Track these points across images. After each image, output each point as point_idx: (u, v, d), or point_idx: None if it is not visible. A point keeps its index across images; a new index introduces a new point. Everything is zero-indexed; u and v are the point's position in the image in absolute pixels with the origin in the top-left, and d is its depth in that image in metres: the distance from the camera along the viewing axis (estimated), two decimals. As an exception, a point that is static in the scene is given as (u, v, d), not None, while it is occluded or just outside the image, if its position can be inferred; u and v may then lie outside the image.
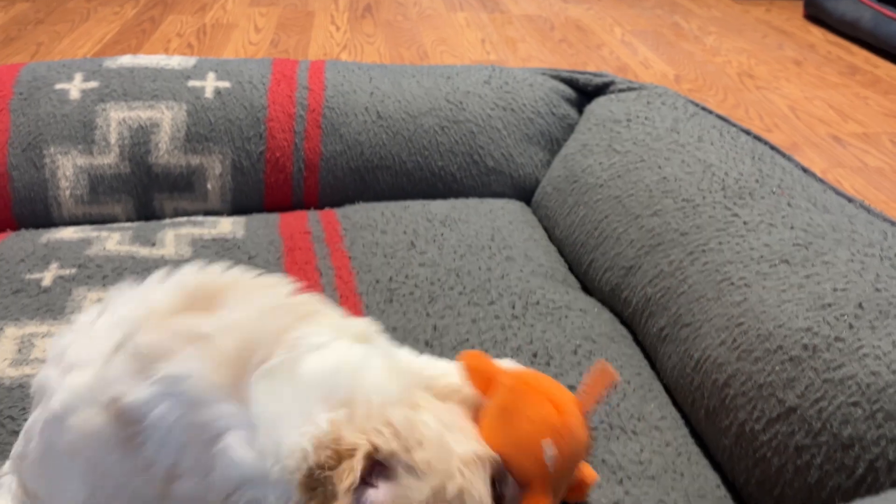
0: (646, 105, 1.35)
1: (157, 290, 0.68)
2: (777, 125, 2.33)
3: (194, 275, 0.69)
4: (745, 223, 1.01)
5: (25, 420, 0.79)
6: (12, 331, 0.95)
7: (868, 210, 1.02)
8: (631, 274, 1.10)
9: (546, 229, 1.33)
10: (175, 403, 0.59)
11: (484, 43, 2.93)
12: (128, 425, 0.60)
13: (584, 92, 1.50)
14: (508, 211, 1.32)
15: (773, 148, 1.19)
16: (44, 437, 0.65)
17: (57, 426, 0.63)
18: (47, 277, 1.06)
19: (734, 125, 1.26)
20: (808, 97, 2.55)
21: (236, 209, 1.37)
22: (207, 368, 0.59)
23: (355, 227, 1.21)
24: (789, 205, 1.02)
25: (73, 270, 1.07)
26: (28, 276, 1.06)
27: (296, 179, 1.37)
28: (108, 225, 1.26)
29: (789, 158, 1.17)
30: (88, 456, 0.62)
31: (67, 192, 1.30)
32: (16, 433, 0.81)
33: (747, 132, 1.24)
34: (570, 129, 1.46)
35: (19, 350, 0.92)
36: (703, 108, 1.33)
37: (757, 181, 1.08)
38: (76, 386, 0.63)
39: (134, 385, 0.60)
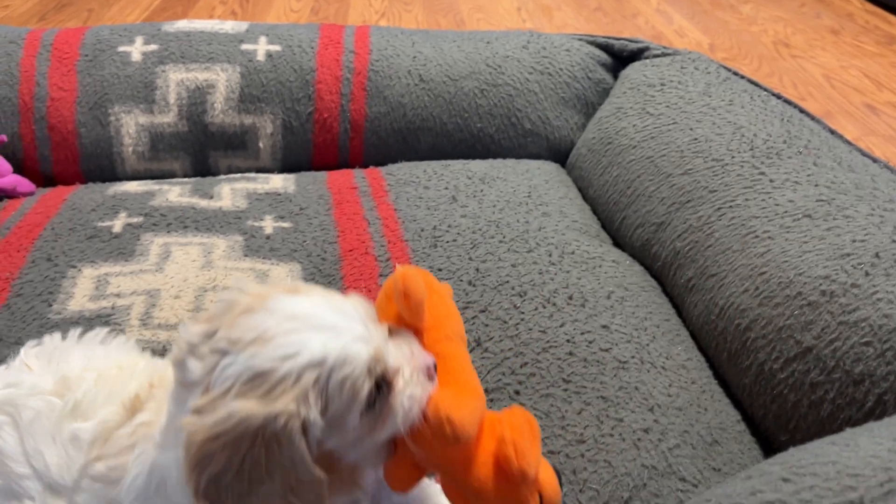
0: (679, 70, 1.39)
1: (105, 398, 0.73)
2: (811, 94, 2.34)
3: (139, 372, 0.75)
4: (771, 181, 1.06)
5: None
6: (89, 271, 1.04)
7: (891, 170, 1.06)
8: (661, 229, 1.15)
9: (580, 189, 1.39)
10: None
11: (520, 11, 2.96)
12: None
13: (620, 57, 1.54)
14: (544, 171, 1.38)
15: (802, 111, 1.24)
16: None
17: None
18: (117, 225, 1.14)
19: (765, 89, 1.31)
20: (844, 66, 2.56)
21: (286, 167, 1.45)
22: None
23: (399, 183, 1.28)
24: (815, 164, 1.07)
25: (141, 219, 1.16)
26: (100, 224, 1.14)
27: (342, 139, 1.44)
28: (168, 179, 1.35)
29: (818, 121, 1.22)
30: None
31: (130, 149, 1.38)
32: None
33: (777, 96, 1.29)
34: (605, 93, 1.51)
35: (96, 287, 1.01)
36: (735, 73, 1.38)
37: (785, 142, 1.13)
38: None
39: None
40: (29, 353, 0.78)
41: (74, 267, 1.04)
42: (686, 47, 2.57)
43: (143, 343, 0.90)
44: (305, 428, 0.55)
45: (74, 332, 0.81)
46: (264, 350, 0.55)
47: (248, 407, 0.53)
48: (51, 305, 0.97)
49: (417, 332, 0.65)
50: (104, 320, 0.95)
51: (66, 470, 0.67)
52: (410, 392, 0.60)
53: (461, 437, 0.60)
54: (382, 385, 0.59)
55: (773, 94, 1.29)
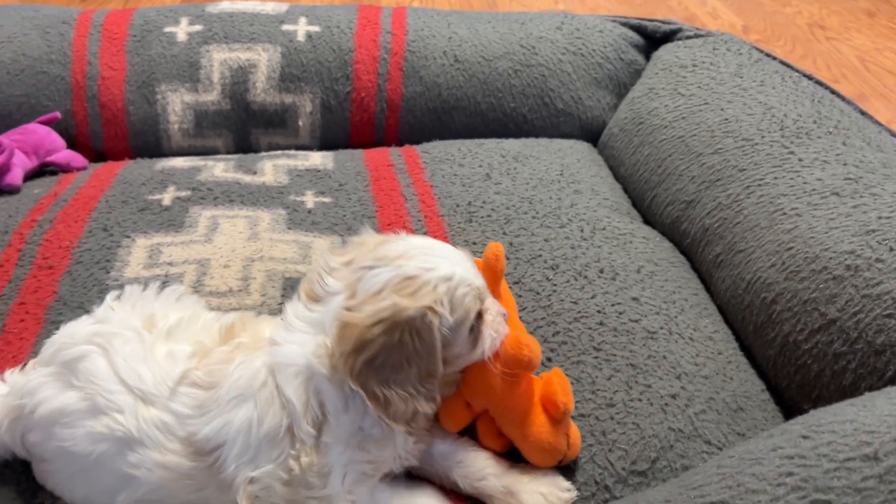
0: (711, 51, 1.41)
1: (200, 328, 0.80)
2: (845, 76, 2.34)
3: (225, 316, 0.82)
4: (800, 160, 1.08)
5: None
6: (142, 241, 1.10)
7: (920, 150, 1.08)
8: (691, 207, 1.18)
9: (611, 168, 1.42)
10: (243, 425, 0.71)
11: (552, -7, 2.97)
12: (206, 455, 0.72)
13: (652, 39, 1.56)
14: (576, 150, 1.41)
15: (833, 92, 1.26)
16: (100, 449, 0.73)
17: (125, 449, 0.72)
18: (167, 198, 1.20)
19: (797, 70, 1.32)
20: (879, 48, 2.54)
21: (324, 145, 1.49)
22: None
23: (434, 161, 1.32)
24: (844, 144, 1.09)
25: (188, 192, 1.21)
26: (150, 197, 1.20)
27: (378, 118, 1.48)
28: (213, 156, 1.40)
29: (848, 102, 1.23)
30: (159, 482, 0.72)
31: (176, 126, 1.44)
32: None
33: (809, 77, 1.30)
34: (637, 74, 1.53)
35: (150, 256, 1.07)
36: (768, 55, 1.39)
37: (815, 122, 1.15)
38: (150, 419, 0.72)
39: (202, 420, 0.72)
40: (112, 300, 0.84)
41: (128, 237, 1.10)
42: (719, 29, 2.57)
43: (197, 307, 0.96)
44: (440, 325, 0.69)
45: (154, 285, 0.87)
46: (410, 262, 0.71)
47: (404, 301, 0.68)
48: (108, 272, 1.03)
49: (494, 294, 0.80)
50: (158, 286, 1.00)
51: (161, 381, 0.73)
52: (496, 327, 0.76)
53: (534, 363, 0.75)
54: (480, 314, 0.74)
55: (805, 76, 1.31)
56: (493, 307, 0.77)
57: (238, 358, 0.74)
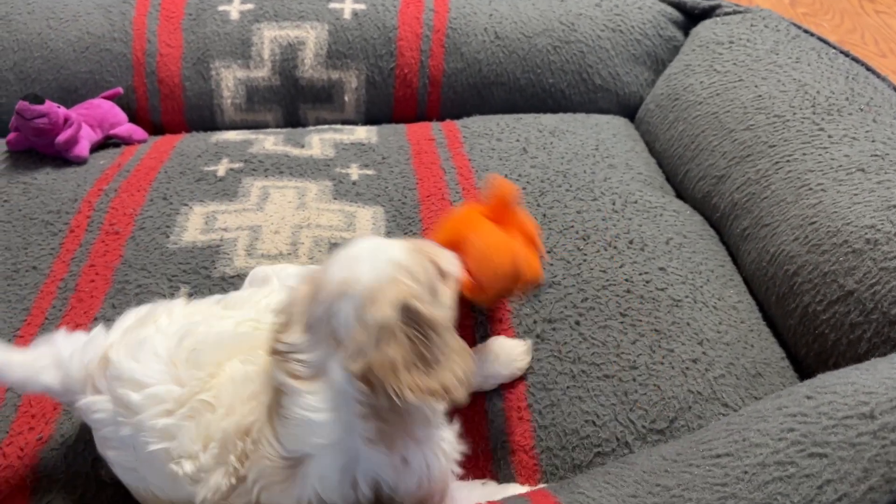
0: (749, 28, 1.43)
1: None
2: (893, 50, 2.30)
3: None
4: (829, 136, 1.11)
5: (214, 272, 1.02)
6: (199, 209, 1.18)
7: (951, 127, 1.09)
8: (721, 182, 1.22)
9: (647, 143, 1.45)
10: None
11: (597, -34, 2.96)
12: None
13: (691, 15, 1.58)
14: (613, 125, 1.45)
15: (868, 69, 1.27)
16: None
17: None
18: (221, 169, 1.28)
19: (834, 47, 1.34)
20: (932, 22, 2.49)
21: (368, 120, 1.55)
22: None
23: (474, 135, 1.38)
24: (874, 121, 1.12)
25: (241, 164, 1.29)
26: (206, 168, 1.28)
27: (421, 94, 1.54)
28: (263, 130, 1.47)
29: (883, 79, 1.25)
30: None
31: (229, 101, 1.52)
32: (208, 278, 1.04)
33: (846, 54, 1.32)
34: (675, 50, 1.56)
35: (206, 223, 1.15)
36: (806, 31, 1.41)
37: (847, 99, 1.17)
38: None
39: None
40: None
41: (186, 205, 1.18)
42: (766, 3, 2.55)
43: (249, 269, 1.03)
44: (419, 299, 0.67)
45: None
46: (349, 293, 0.67)
47: (383, 310, 0.65)
48: (168, 237, 1.11)
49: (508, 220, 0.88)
50: (214, 250, 1.08)
51: None
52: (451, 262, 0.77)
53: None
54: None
55: (842, 52, 1.32)
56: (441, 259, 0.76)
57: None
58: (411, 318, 0.65)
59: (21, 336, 0.97)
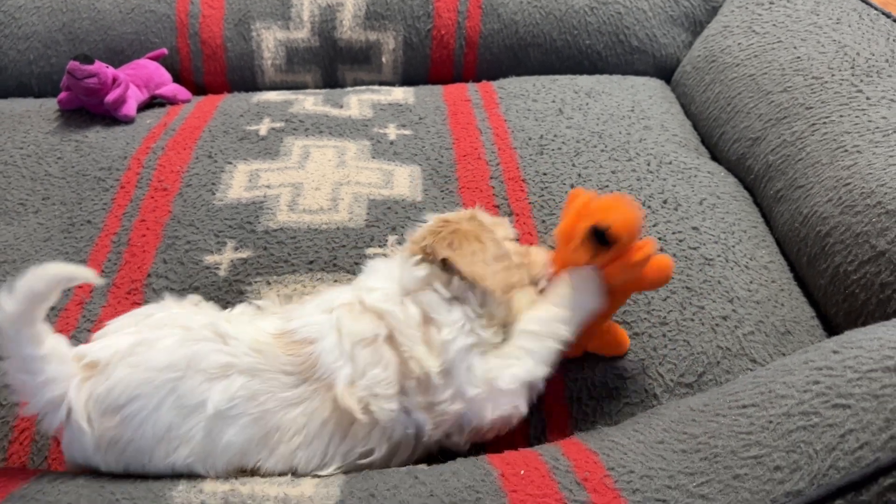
0: (789, -12, 1.42)
1: None
2: (940, 12, 2.25)
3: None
4: (867, 98, 1.11)
5: (258, 226, 1.06)
6: (243, 167, 1.21)
7: None
8: (756, 144, 1.22)
9: (683, 105, 1.46)
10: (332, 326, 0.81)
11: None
12: (298, 346, 0.79)
13: (731, -25, 1.57)
14: (649, 87, 1.45)
15: (910, 30, 1.25)
16: (194, 349, 0.76)
17: (219, 344, 0.77)
18: (263, 128, 1.31)
19: (875, 8, 1.32)
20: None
21: (405, 81, 1.57)
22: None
23: (510, 96, 1.39)
24: (914, 82, 1.11)
25: (282, 124, 1.32)
26: (248, 128, 1.32)
27: (457, 55, 1.55)
28: (303, 90, 1.50)
29: (925, 40, 1.23)
30: (251, 367, 0.77)
31: (269, 62, 1.55)
32: (253, 233, 1.07)
33: (888, 15, 1.30)
34: (713, 11, 1.55)
35: (249, 180, 1.18)
36: (847, -9, 1.39)
37: (887, 61, 1.17)
38: (240, 322, 0.83)
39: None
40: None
41: (230, 163, 1.22)
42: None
43: (291, 223, 1.07)
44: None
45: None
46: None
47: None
48: (214, 194, 1.15)
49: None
50: (258, 206, 1.12)
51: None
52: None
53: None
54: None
55: (884, 13, 1.31)
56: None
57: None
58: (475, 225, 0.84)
59: (81, 287, 1.02)
